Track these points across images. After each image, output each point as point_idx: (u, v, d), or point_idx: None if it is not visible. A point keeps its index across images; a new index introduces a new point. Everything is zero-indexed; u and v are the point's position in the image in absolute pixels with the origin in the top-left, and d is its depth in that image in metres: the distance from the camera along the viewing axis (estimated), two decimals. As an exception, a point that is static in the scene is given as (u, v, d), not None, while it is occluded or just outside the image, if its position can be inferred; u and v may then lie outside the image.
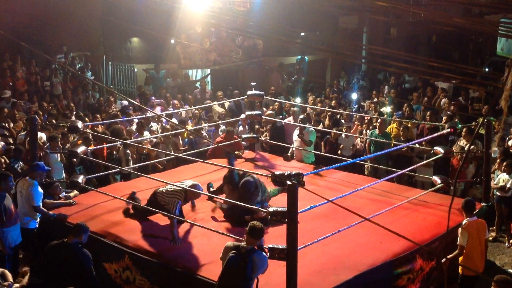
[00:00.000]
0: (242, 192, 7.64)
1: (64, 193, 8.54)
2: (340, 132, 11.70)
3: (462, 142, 10.53)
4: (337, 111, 13.54)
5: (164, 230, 7.28)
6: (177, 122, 12.41)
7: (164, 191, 7.30)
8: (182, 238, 7.07)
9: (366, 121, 12.32)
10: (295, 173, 7.77)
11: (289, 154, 11.20)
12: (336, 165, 7.76)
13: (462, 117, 12.03)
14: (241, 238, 6.04)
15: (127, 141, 10.33)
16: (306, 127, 10.95)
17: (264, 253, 5.61)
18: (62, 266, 6.06)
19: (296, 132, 11.00)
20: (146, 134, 11.72)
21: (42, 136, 10.33)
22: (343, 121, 13.13)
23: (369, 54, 15.84)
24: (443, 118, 12.10)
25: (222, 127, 12.38)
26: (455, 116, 12.23)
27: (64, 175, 10.17)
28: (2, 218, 7.27)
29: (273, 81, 18.76)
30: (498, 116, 12.30)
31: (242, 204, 7.06)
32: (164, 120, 12.45)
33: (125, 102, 14.28)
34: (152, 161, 10.61)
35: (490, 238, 7.22)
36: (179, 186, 7.22)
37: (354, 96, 16.07)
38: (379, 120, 11.56)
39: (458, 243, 6.83)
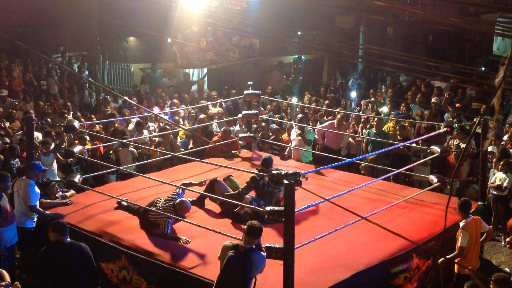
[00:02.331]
0: (262, 165, 8.20)
1: (60, 193, 8.53)
2: (333, 131, 11.67)
3: (456, 140, 10.57)
4: (333, 110, 13.54)
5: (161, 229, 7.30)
6: (175, 122, 12.39)
7: (155, 210, 7.29)
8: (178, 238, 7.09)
9: (362, 120, 12.31)
10: (292, 172, 7.81)
11: (286, 153, 11.21)
12: (333, 164, 7.78)
13: (462, 116, 12.04)
14: (238, 238, 6.04)
15: (124, 141, 10.32)
16: (305, 127, 10.95)
17: (262, 252, 5.61)
18: (68, 264, 5.99)
19: (295, 131, 10.99)
20: (145, 133, 11.71)
21: (38, 136, 10.31)
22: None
23: (366, 54, 15.85)
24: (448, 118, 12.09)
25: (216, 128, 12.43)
26: (460, 116, 12.24)
27: (57, 177, 10.11)
28: None
29: (273, 80, 18.75)
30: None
31: (241, 203, 7.11)
32: (162, 119, 12.44)
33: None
34: (149, 160, 10.59)
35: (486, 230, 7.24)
36: (169, 202, 7.26)
37: (353, 94, 16.06)
38: (375, 119, 11.56)
39: (459, 244, 6.82)
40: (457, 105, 12.72)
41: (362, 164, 11.45)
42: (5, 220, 7.36)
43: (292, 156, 11.12)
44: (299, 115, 11.57)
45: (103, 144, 10.56)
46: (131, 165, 10.50)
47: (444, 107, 12.80)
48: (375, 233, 6.83)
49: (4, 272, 5.97)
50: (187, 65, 17.63)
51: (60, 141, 10.59)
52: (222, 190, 7.93)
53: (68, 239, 6.09)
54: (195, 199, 8.10)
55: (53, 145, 10.17)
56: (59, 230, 6.05)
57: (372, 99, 14.59)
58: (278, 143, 11.85)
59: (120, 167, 9.87)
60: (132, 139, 10.97)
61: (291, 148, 11.17)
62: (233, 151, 10.55)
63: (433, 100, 13.56)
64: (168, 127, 11.90)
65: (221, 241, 5.90)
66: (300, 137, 10.76)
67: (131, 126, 12.31)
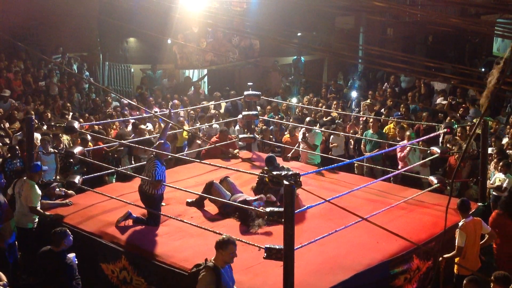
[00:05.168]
0: (266, 163, 8.56)
1: (59, 189, 8.52)
2: (333, 132, 11.64)
3: (458, 140, 10.56)
4: (332, 111, 13.54)
5: (161, 230, 7.29)
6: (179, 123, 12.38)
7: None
8: (178, 238, 7.07)
9: (361, 121, 12.30)
10: (292, 173, 7.81)
11: (289, 155, 11.05)
12: (332, 165, 7.79)
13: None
14: (238, 239, 6.03)
15: (124, 141, 10.29)
16: (313, 129, 10.87)
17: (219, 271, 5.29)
18: (46, 274, 6.20)
19: (301, 135, 10.91)
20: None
21: (37, 136, 10.30)
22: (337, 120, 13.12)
23: (366, 54, 15.86)
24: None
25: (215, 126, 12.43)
26: (462, 118, 12.25)
27: (54, 177, 10.10)
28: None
29: (272, 81, 18.74)
30: (495, 116, 12.35)
31: (241, 205, 7.11)
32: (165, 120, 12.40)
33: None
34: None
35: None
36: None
37: (354, 94, 16.06)
38: (371, 120, 11.56)
39: (456, 244, 6.83)
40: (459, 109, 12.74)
41: (355, 165, 11.44)
42: (5, 215, 7.36)
43: (300, 159, 11.03)
44: (307, 118, 11.52)
45: (102, 146, 10.53)
46: (131, 166, 10.44)
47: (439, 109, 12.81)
48: (375, 234, 6.83)
49: (1, 273, 6.01)
50: (187, 66, 17.64)
51: (57, 143, 10.55)
52: (219, 192, 7.93)
53: (61, 250, 6.24)
54: (194, 200, 8.12)
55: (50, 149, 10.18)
56: (51, 241, 6.27)
57: (369, 101, 14.59)
58: (278, 143, 11.82)
59: (119, 168, 9.86)
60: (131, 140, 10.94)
61: (300, 150, 11.05)
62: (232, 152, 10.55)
63: (437, 101, 13.60)
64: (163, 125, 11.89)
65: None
66: (304, 142, 10.68)
67: (129, 127, 12.30)
